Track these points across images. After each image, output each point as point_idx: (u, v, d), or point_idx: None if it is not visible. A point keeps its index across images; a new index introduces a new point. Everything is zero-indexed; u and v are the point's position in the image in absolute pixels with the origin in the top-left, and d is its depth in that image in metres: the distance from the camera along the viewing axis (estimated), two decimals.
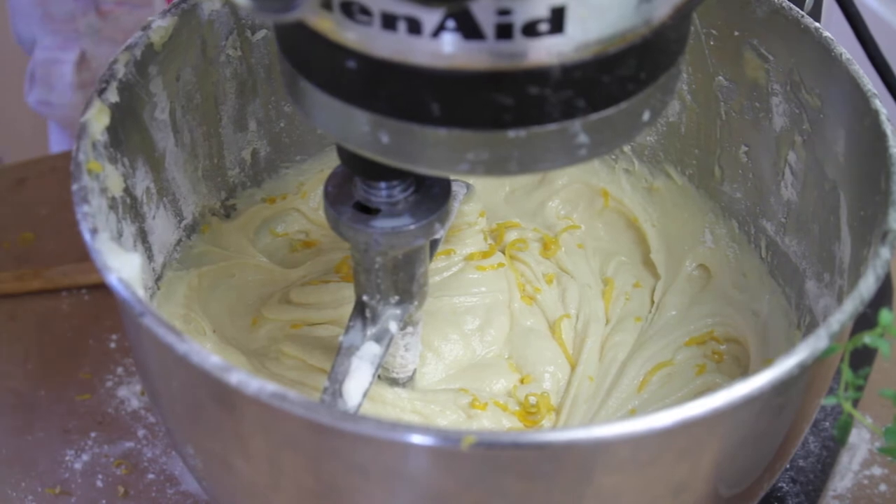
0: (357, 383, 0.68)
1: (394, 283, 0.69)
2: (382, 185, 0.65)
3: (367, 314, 0.71)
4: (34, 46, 1.36)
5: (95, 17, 1.30)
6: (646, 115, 0.57)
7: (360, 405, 0.68)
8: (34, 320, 0.95)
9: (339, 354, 0.70)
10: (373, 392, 0.74)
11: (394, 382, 0.77)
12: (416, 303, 0.71)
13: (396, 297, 0.70)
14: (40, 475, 0.84)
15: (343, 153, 0.63)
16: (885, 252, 0.63)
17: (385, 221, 0.65)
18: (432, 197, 0.66)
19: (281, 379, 0.78)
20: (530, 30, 0.50)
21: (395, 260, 0.68)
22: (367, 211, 0.65)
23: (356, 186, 0.66)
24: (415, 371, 0.78)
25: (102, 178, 0.68)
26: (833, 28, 0.77)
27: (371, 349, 0.69)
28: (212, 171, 0.84)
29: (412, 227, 0.65)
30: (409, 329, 0.74)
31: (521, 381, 0.82)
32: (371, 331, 0.70)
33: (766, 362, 0.79)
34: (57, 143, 1.46)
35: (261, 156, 0.88)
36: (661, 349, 0.83)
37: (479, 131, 0.54)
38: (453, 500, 0.59)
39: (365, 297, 0.70)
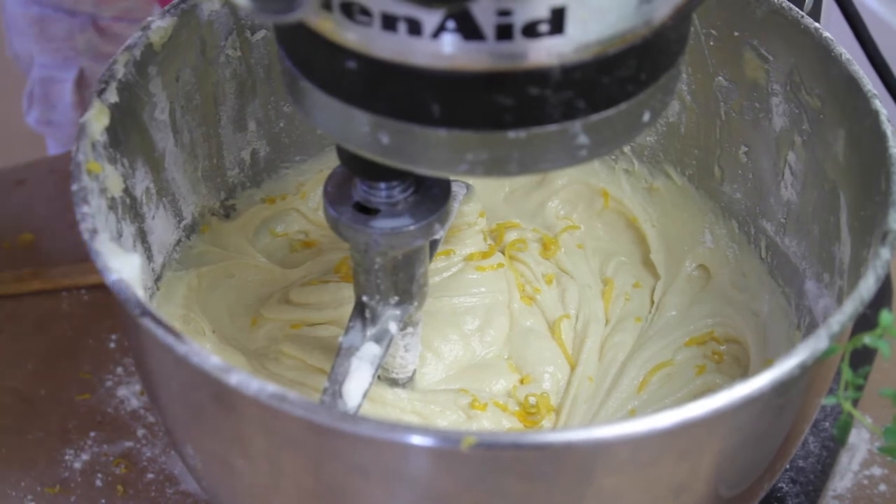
0: (357, 384, 0.68)
1: (393, 283, 0.69)
2: (382, 185, 0.65)
3: (367, 315, 0.70)
4: (32, 64, 1.36)
5: (94, 33, 1.30)
6: (646, 116, 0.57)
7: (359, 406, 0.68)
8: (34, 320, 0.95)
9: (338, 355, 0.70)
10: (372, 393, 0.74)
11: (393, 383, 0.77)
12: (415, 303, 0.71)
13: (396, 298, 0.70)
14: (40, 474, 0.84)
15: (343, 153, 0.63)
16: (885, 253, 0.63)
17: (385, 222, 0.65)
18: (432, 197, 0.66)
19: (280, 379, 0.78)
20: (530, 30, 0.50)
21: (394, 260, 0.68)
22: (366, 211, 0.65)
23: (356, 187, 0.66)
24: (414, 371, 0.78)
25: (102, 178, 0.68)
26: (832, 28, 0.77)
27: (371, 350, 0.69)
28: (211, 171, 0.84)
29: (412, 227, 0.65)
30: (409, 329, 0.74)
31: (521, 382, 0.82)
32: (371, 331, 0.70)
33: (767, 363, 0.79)
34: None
35: (260, 156, 0.88)
36: (661, 349, 0.83)
37: (479, 132, 0.54)
38: (453, 500, 0.59)
39: (365, 298, 0.70)
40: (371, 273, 0.68)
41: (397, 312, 0.71)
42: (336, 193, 0.66)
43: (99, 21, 1.29)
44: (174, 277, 0.81)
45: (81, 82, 1.33)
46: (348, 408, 0.67)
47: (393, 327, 0.71)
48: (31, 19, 1.30)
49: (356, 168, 0.63)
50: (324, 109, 0.57)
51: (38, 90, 1.35)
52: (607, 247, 0.91)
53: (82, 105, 1.33)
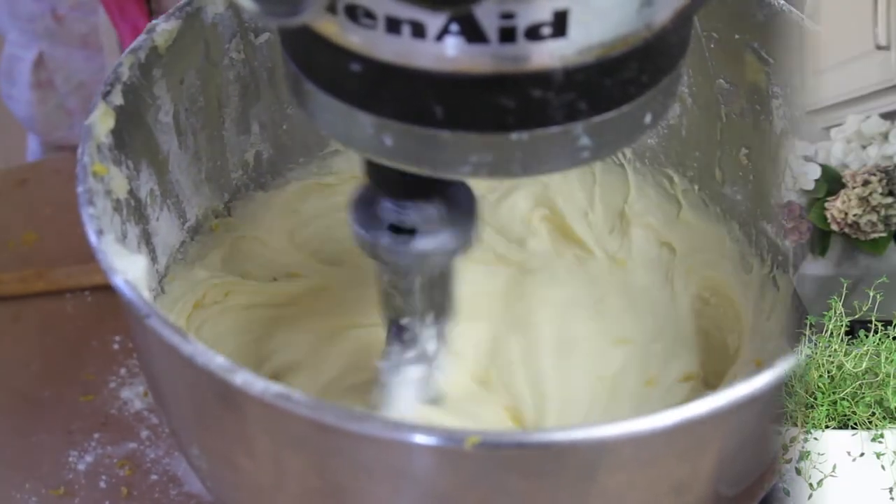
0: (404, 409, 0.67)
1: (430, 301, 0.68)
2: (410, 203, 0.63)
3: (406, 338, 0.69)
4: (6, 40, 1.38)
5: (52, 20, 1.31)
6: (648, 118, 0.57)
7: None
8: (38, 322, 0.95)
9: (379, 383, 0.69)
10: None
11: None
12: (450, 318, 0.70)
13: (433, 316, 0.69)
14: (44, 476, 0.85)
15: (372, 172, 0.61)
16: None
17: (427, 241, 0.63)
18: (462, 206, 0.64)
19: None
20: (533, 33, 0.50)
21: (431, 279, 0.67)
22: (401, 232, 0.63)
23: (384, 208, 0.63)
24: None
25: (107, 180, 0.69)
26: None
27: (413, 373, 0.69)
28: (215, 173, 0.85)
29: (454, 244, 0.64)
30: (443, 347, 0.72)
31: None
32: (411, 354, 0.69)
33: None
34: (32, 154, 1.47)
35: (264, 158, 0.88)
36: None
37: (483, 134, 0.54)
38: (458, 498, 0.60)
39: (404, 321, 0.69)
40: (410, 294, 0.67)
41: (434, 331, 0.69)
42: (365, 216, 0.64)
43: (58, 9, 1.31)
44: (178, 278, 0.81)
45: (39, 64, 1.35)
46: None
47: (432, 346, 0.69)
48: None
49: (386, 185, 0.62)
50: (327, 111, 0.57)
51: (4, 64, 1.38)
52: None
53: (38, 86, 1.36)
